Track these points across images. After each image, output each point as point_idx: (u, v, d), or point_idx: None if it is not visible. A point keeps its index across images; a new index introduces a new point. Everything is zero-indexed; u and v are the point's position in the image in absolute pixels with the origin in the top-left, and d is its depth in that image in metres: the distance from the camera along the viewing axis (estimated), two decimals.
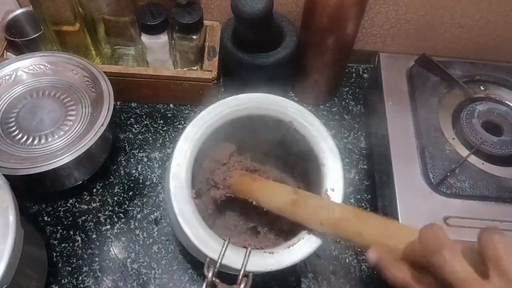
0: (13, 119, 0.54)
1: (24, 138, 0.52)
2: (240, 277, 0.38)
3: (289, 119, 0.45)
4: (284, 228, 0.47)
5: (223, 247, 0.38)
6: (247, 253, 0.39)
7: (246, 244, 0.45)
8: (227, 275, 0.39)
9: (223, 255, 0.38)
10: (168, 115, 0.67)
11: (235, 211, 0.52)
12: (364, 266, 0.55)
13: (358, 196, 0.61)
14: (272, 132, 0.48)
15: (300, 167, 0.51)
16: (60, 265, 0.53)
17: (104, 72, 0.57)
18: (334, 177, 0.43)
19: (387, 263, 0.32)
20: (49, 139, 0.52)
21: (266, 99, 0.46)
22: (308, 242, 0.40)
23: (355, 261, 0.55)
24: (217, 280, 0.38)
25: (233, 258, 0.38)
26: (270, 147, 0.52)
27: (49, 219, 0.56)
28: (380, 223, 0.35)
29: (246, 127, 0.47)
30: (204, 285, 0.37)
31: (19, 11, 0.64)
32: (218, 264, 0.38)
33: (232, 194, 0.48)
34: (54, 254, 0.54)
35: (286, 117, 0.45)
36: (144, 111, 0.67)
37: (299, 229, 0.42)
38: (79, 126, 0.54)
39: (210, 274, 0.37)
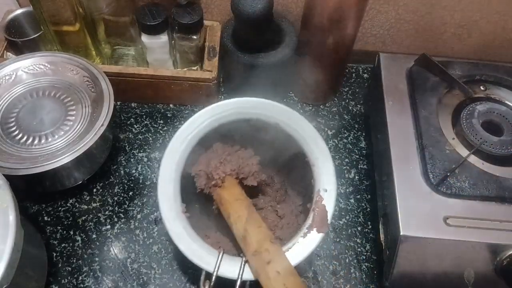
0: (13, 119, 0.54)
1: (24, 138, 0.52)
2: (237, 287, 0.38)
3: (274, 121, 0.45)
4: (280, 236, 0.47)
5: (217, 259, 0.38)
6: (243, 263, 0.39)
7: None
8: (225, 282, 0.39)
9: (218, 267, 0.38)
10: (168, 115, 0.67)
11: None
12: (364, 266, 0.55)
13: (358, 196, 0.61)
14: (260, 135, 0.48)
15: (291, 168, 0.51)
16: (60, 265, 0.53)
17: (104, 72, 0.57)
18: (326, 178, 0.43)
19: None
20: (49, 139, 0.53)
21: (249, 102, 0.45)
22: (303, 246, 0.40)
23: (355, 261, 0.55)
24: None
25: (229, 268, 0.39)
26: (260, 150, 0.51)
27: (49, 219, 0.56)
28: None
29: (231, 132, 0.47)
30: None
31: (19, 11, 0.64)
32: (213, 277, 0.38)
33: (211, 193, 0.46)
34: (54, 254, 0.54)
35: (272, 119, 0.45)
36: (144, 111, 0.67)
37: (295, 234, 0.42)
38: (79, 126, 0.54)
39: None
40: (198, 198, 0.49)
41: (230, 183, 0.47)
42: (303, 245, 0.41)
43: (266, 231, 0.42)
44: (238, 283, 0.38)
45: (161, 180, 0.41)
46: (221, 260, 0.38)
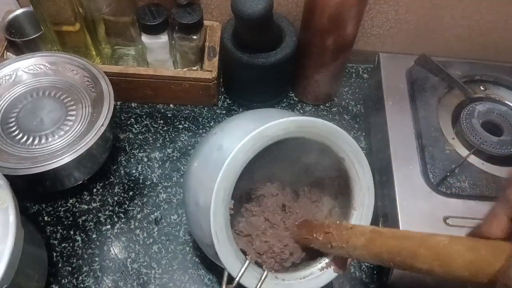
0: (13, 119, 0.54)
1: (25, 138, 0.52)
2: None
3: (341, 155, 0.41)
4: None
5: (243, 267, 0.38)
6: (263, 278, 0.39)
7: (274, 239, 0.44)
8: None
9: (242, 275, 0.38)
10: (168, 115, 0.67)
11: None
12: (364, 266, 0.55)
13: None
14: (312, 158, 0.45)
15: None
16: (60, 265, 0.53)
17: (104, 72, 0.57)
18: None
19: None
20: (49, 139, 0.53)
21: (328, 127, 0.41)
22: (317, 280, 0.41)
23: (355, 261, 0.55)
24: None
25: (249, 279, 0.39)
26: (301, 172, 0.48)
27: (49, 219, 0.56)
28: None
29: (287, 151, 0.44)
30: None
31: (19, 11, 0.64)
32: (234, 283, 0.38)
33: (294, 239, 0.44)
34: (54, 254, 0.54)
35: (341, 152, 0.41)
36: (144, 111, 0.67)
37: (314, 262, 0.42)
38: (79, 126, 0.54)
39: None
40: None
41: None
42: (317, 279, 0.41)
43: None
44: None
45: (225, 170, 0.37)
46: (246, 268, 0.39)
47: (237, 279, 0.38)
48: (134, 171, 0.61)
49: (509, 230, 0.28)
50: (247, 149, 0.38)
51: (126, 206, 0.58)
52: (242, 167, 0.38)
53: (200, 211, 0.41)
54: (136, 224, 0.57)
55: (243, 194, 0.46)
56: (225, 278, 0.39)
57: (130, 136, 0.64)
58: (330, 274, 0.41)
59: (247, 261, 0.39)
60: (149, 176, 0.60)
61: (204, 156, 0.44)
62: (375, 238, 0.34)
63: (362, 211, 0.42)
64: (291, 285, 0.40)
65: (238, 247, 0.40)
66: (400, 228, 0.47)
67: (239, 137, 0.39)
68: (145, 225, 0.56)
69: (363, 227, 0.38)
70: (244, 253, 0.41)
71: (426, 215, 0.48)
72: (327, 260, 0.42)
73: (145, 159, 0.62)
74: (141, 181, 0.60)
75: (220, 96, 0.69)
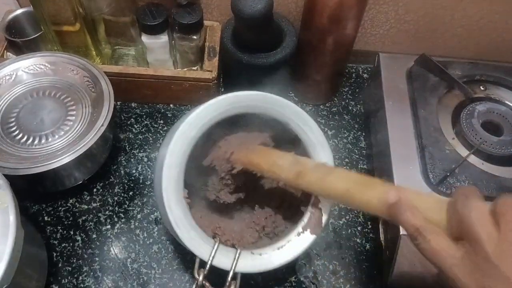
0: (13, 119, 0.54)
1: (25, 138, 0.52)
2: (229, 279, 0.38)
3: (285, 119, 0.44)
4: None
5: (212, 249, 0.39)
6: (237, 255, 0.39)
7: (244, 225, 0.45)
8: (216, 271, 0.39)
9: (213, 257, 0.38)
10: (168, 115, 0.67)
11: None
12: (364, 266, 0.55)
13: None
14: (265, 129, 0.47)
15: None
16: (60, 265, 0.53)
17: (105, 72, 0.57)
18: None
19: (407, 206, 0.32)
20: (49, 139, 0.53)
21: (265, 97, 0.44)
22: (296, 245, 0.41)
23: (355, 261, 0.55)
24: (207, 284, 0.38)
25: (223, 260, 0.39)
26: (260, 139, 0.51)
27: (49, 219, 0.56)
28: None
29: (238, 123, 0.46)
30: (194, 287, 0.38)
31: (19, 11, 0.64)
32: (207, 267, 0.38)
33: (236, 165, 0.45)
34: (54, 254, 0.54)
35: (284, 118, 0.44)
36: (144, 111, 0.67)
37: (289, 232, 0.42)
38: (79, 126, 0.54)
39: (200, 278, 0.38)
40: (197, 190, 0.49)
41: (240, 151, 0.46)
42: (295, 247, 0.41)
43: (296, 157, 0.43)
44: (231, 274, 0.38)
45: (167, 162, 0.40)
46: (216, 250, 0.39)
47: (209, 262, 0.38)
48: (134, 171, 0.61)
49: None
50: (186, 135, 0.41)
51: (126, 206, 0.58)
52: (186, 153, 0.40)
53: (161, 205, 0.42)
54: (136, 224, 0.57)
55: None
56: (196, 265, 0.39)
57: (130, 136, 0.64)
58: (308, 237, 0.42)
59: (216, 243, 0.39)
60: (149, 176, 0.60)
61: (162, 146, 0.45)
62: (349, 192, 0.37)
63: None
64: (269, 257, 0.40)
65: (206, 232, 0.40)
66: (400, 228, 0.47)
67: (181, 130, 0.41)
68: (145, 225, 0.56)
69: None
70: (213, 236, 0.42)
71: None
72: (302, 225, 0.42)
73: (145, 159, 0.62)
74: (141, 181, 0.60)
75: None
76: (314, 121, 0.44)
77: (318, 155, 0.44)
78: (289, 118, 0.44)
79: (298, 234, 0.42)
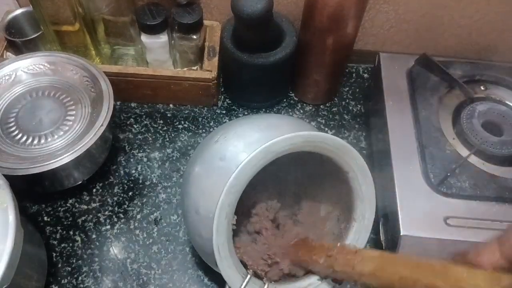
0: (12, 119, 0.54)
1: (24, 138, 0.52)
2: None
3: (346, 169, 0.41)
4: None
5: (244, 281, 0.39)
6: None
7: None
8: None
9: None
10: (168, 115, 0.67)
11: None
12: None
13: None
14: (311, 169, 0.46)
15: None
16: (60, 265, 0.53)
17: (104, 72, 0.57)
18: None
19: None
20: (49, 139, 0.52)
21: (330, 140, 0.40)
22: None
23: None
24: None
25: None
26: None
27: (49, 219, 0.56)
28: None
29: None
30: None
31: (19, 11, 0.64)
32: None
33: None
34: (54, 254, 0.54)
35: (346, 166, 0.41)
36: (144, 111, 0.67)
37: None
38: (78, 126, 0.54)
39: None
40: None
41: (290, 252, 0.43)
42: None
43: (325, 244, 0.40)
44: None
45: (230, 185, 0.37)
46: (247, 282, 0.39)
47: None
48: (133, 171, 0.61)
49: (497, 265, 0.29)
50: (253, 164, 0.37)
51: (125, 206, 0.58)
52: (246, 182, 0.37)
53: (201, 219, 0.41)
54: (136, 224, 0.56)
55: (244, 208, 0.46)
56: None
57: (130, 136, 0.64)
58: (329, 284, 0.41)
59: (248, 276, 0.39)
60: (148, 176, 0.60)
61: (205, 164, 0.43)
62: (385, 266, 0.33)
63: (362, 223, 0.42)
64: None
65: (238, 259, 0.40)
66: (400, 228, 0.47)
67: (243, 149, 0.39)
68: (145, 225, 0.56)
69: (370, 251, 0.37)
70: (245, 265, 0.41)
71: (426, 215, 0.48)
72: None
73: (145, 159, 0.62)
74: (140, 181, 0.60)
75: (220, 96, 0.69)
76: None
77: (362, 210, 0.43)
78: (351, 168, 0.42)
79: (320, 280, 0.41)
